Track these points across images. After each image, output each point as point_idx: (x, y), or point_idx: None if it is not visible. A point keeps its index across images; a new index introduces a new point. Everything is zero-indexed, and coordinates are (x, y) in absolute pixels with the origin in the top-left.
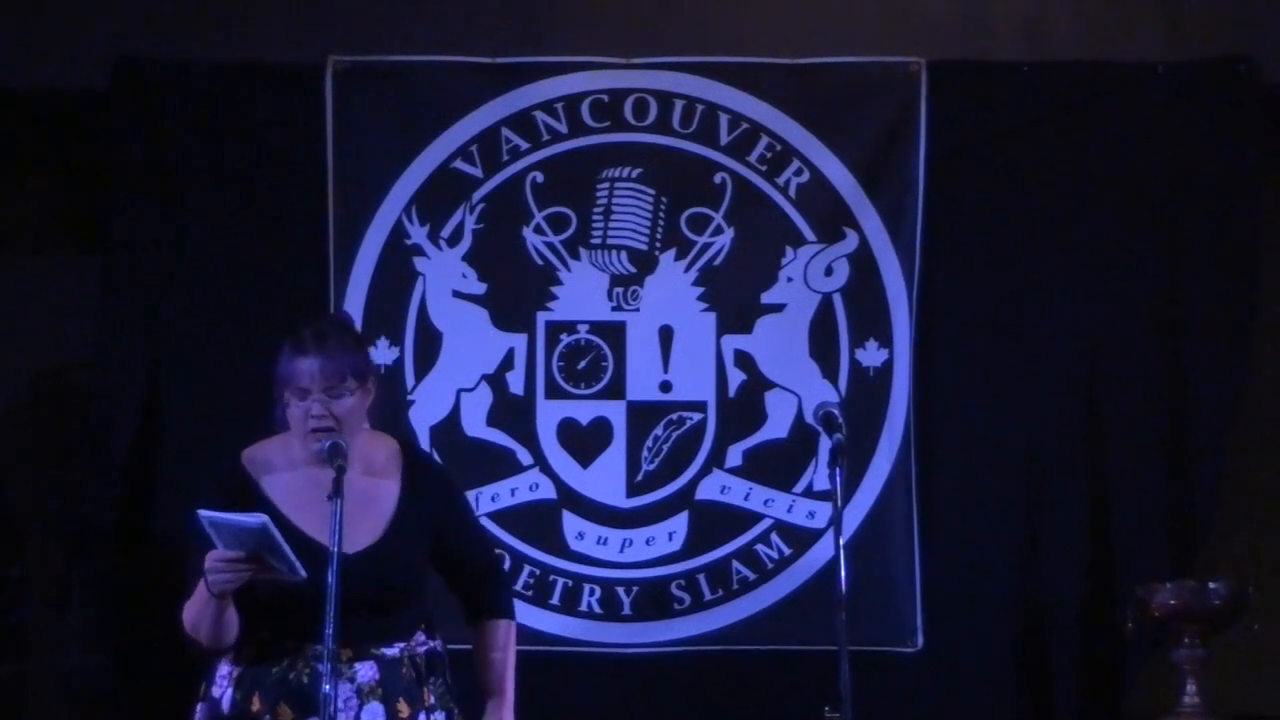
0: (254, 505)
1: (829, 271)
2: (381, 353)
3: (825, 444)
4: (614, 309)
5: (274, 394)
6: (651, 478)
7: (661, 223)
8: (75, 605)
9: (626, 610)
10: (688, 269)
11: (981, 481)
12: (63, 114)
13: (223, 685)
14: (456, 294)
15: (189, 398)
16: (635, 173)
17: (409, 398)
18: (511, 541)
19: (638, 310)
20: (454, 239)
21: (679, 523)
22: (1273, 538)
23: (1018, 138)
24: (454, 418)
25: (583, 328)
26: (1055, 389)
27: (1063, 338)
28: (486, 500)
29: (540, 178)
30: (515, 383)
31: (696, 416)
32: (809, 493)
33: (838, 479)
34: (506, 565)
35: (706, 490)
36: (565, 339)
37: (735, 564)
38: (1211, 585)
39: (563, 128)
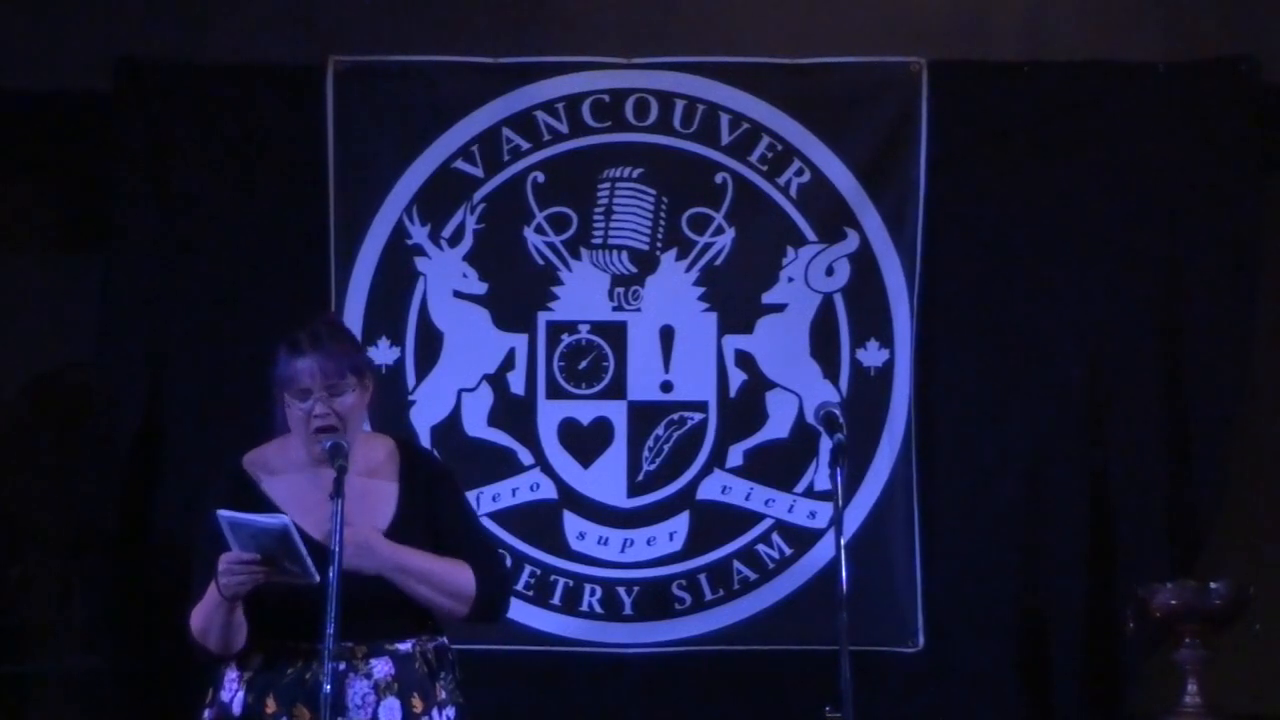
0: (256, 507)
1: (830, 271)
2: (382, 353)
3: (826, 444)
4: (615, 309)
5: (273, 397)
6: (652, 478)
7: (662, 223)
8: (75, 605)
9: (627, 610)
10: (689, 269)
11: (982, 481)
12: (63, 114)
13: (232, 689)
14: (457, 294)
15: (189, 398)
16: (636, 173)
17: (410, 398)
18: (512, 541)
19: (639, 310)
20: (455, 239)
21: (680, 523)
22: (1273, 538)
23: (1018, 138)
24: (455, 418)
25: (584, 328)
26: (1055, 389)
27: (1063, 338)
28: (487, 500)
29: (541, 178)
30: (516, 383)
31: (697, 416)
32: (810, 493)
33: (838, 479)
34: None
35: (707, 490)
36: (566, 339)
37: (736, 564)
38: (1212, 585)
39: (564, 128)
